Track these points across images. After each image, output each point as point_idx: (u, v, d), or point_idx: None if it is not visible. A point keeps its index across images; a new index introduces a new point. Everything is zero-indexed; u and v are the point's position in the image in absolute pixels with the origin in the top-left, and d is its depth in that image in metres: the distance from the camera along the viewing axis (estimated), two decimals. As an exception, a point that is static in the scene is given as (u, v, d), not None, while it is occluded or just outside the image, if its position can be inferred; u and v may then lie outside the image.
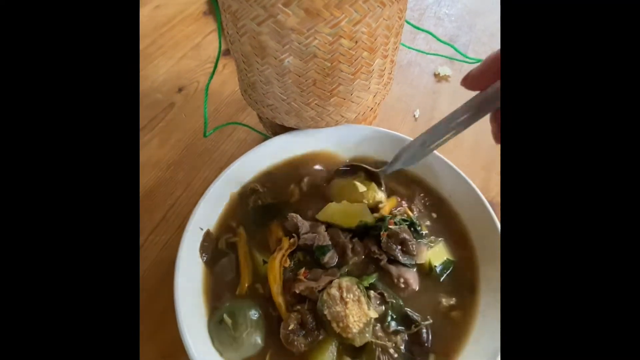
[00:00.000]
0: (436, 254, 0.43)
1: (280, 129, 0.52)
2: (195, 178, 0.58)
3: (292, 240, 0.42)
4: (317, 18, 0.36)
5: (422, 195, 0.49)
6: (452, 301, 0.40)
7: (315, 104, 0.45)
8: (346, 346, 0.37)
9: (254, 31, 0.39)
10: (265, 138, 0.60)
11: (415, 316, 0.39)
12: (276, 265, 0.41)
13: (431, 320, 0.39)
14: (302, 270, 0.41)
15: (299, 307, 0.39)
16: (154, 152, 0.61)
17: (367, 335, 0.36)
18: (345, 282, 0.38)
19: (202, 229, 0.43)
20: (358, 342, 0.36)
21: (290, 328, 0.37)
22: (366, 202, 0.45)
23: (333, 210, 0.44)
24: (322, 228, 0.43)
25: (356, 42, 0.39)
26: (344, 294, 0.37)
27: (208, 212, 0.45)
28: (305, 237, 0.42)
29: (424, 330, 0.38)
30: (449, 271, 0.42)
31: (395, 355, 0.37)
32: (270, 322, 0.39)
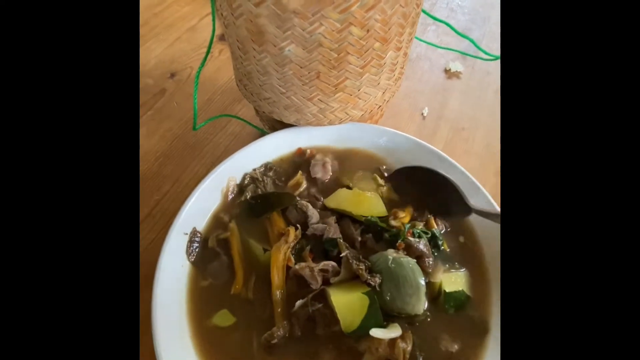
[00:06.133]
0: (451, 280, 0.38)
1: (279, 124, 0.48)
2: (185, 172, 0.54)
3: (297, 231, 0.39)
4: (325, 1, 0.32)
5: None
6: (454, 348, 0.35)
7: (318, 99, 0.40)
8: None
9: (251, 13, 0.34)
10: (262, 133, 0.55)
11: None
12: (280, 258, 0.37)
13: None
14: (308, 249, 0.38)
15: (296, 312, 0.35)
16: (142, 142, 0.57)
17: None
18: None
19: (186, 234, 0.39)
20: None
21: (273, 341, 0.34)
22: (380, 195, 0.43)
23: (343, 196, 0.42)
24: (333, 219, 0.40)
25: (368, 30, 0.35)
26: None
27: (196, 214, 0.41)
28: (315, 227, 0.39)
29: None
30: (459, 305, 0.37)
31: None
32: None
